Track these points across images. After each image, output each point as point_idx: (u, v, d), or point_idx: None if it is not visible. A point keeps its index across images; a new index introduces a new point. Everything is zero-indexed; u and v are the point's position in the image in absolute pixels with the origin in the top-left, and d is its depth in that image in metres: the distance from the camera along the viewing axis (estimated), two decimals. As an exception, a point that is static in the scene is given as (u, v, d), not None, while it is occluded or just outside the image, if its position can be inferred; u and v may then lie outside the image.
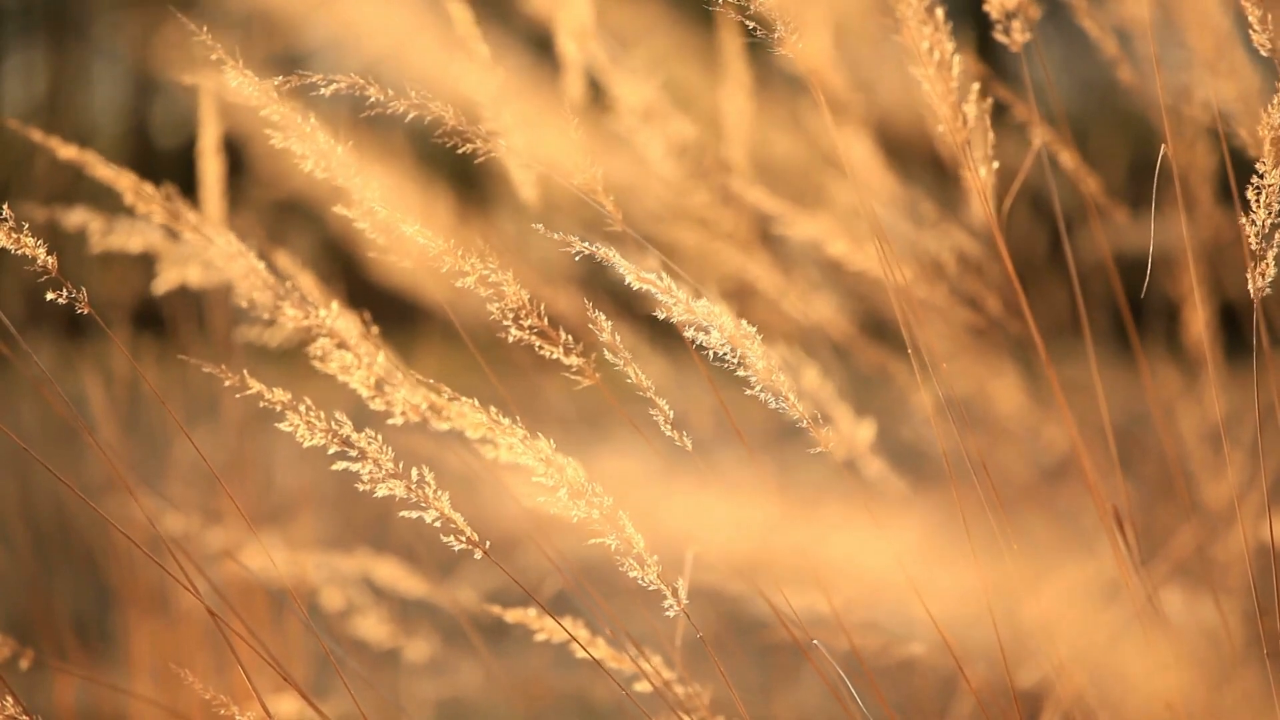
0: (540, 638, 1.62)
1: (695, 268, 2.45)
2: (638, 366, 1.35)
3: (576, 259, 1.34)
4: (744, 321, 1.34)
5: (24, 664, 1.70)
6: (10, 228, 1.34)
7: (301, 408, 1.35)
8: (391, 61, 1.76)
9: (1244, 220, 1.32)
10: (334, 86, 1.35)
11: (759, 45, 1.36)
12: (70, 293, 1.34)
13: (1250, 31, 1.36)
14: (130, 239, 2.00)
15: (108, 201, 1.99)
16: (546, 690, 2.97)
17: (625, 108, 2.32)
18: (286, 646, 2.67)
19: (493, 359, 1.64)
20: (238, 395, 1.35)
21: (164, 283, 2.00)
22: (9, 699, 1.43)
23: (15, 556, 3.10)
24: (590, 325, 1.34)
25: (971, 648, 1.43)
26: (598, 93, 2.34)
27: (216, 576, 2.61)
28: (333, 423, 1.35)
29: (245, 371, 1.37)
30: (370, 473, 1.34)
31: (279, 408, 1.35)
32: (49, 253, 1.34)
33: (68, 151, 1.81)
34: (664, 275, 1.34)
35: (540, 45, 2.32)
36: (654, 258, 1.46)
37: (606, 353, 1.34)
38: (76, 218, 2.03)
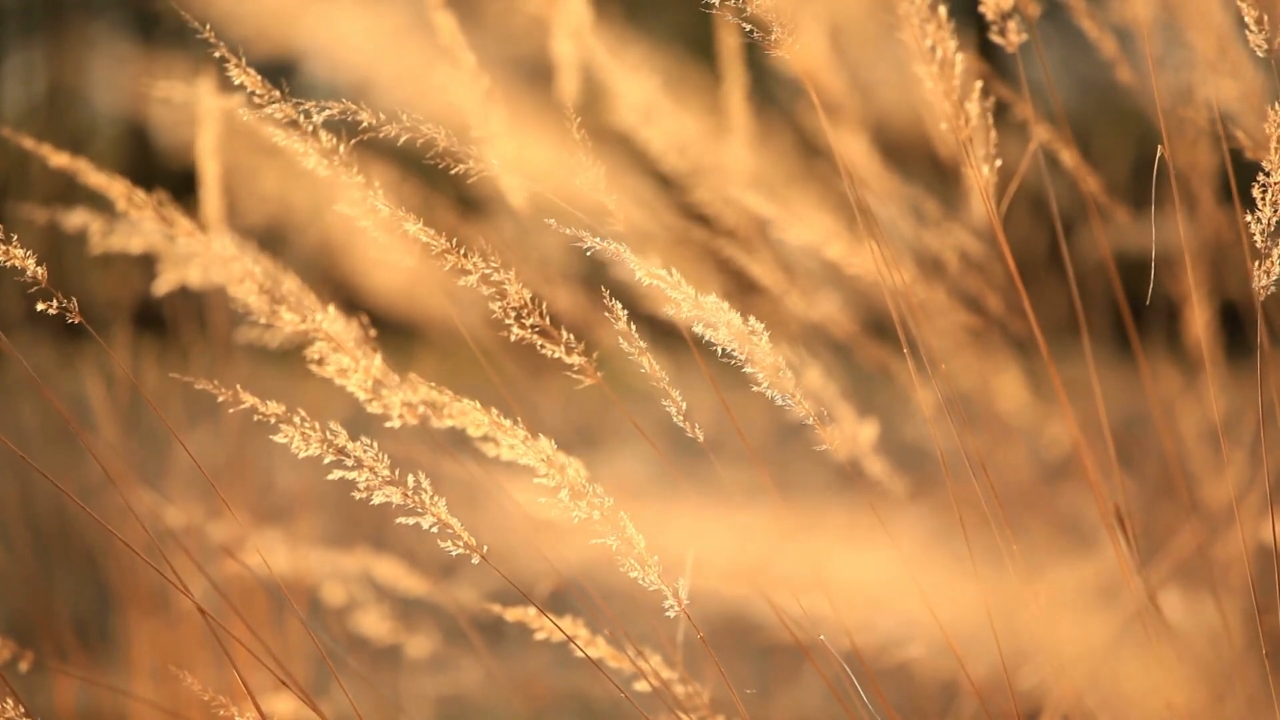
0: (540, 637, 1.62)
1: (698, 267, 2.45)
2: (640, 365, 1.35)
3: (587, 254, 1.34)
4: (751, 319, 1.33)
5: (24, 667, 1.70)
6: (0, 238, 1.34)
7: (296, 418, 1.35)
8: (381, 72, 1.76)
9: (1249, 218, 1.32)
10: (326, 113, 1.35)
11: (758, 46, 1.36)
12: (61, 303, 1.34)
13: (1247, 32, 1.36)
14: (131, 240, 2.00)
15: (108, 200, 1.98)
16: (546, 690, 2.97)
17: (625, 105, 2.31)
18: (286, 645, 2.67)
19: (493, 360, 1.64)
20: (231, 411, 1.35)
21: (164, 283, 2.00)
22: (9, 701, 1.42)
23: (15, 556, 3.10)
24: (606, 315, 1.34)
25: (971, 653, 1.43)
26: (594, 92, 2.34)
27: (217, 576, 2.61)
28: (328, 432, 1.35)
29: (239, 386, 1.36)
30: (367, 480, 1.34)
31: (273, 420, 1.35)
32: (42, 261, 1.34)
33: (59, 159, 1.81)
34: (672, 272, 1.34)
35: (540, 45, 2.31)
36: (658, 257, 1.46)
37: (621, 342, 1.34)
38: (76, 219, 2.03)
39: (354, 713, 1.51)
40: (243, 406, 1.35)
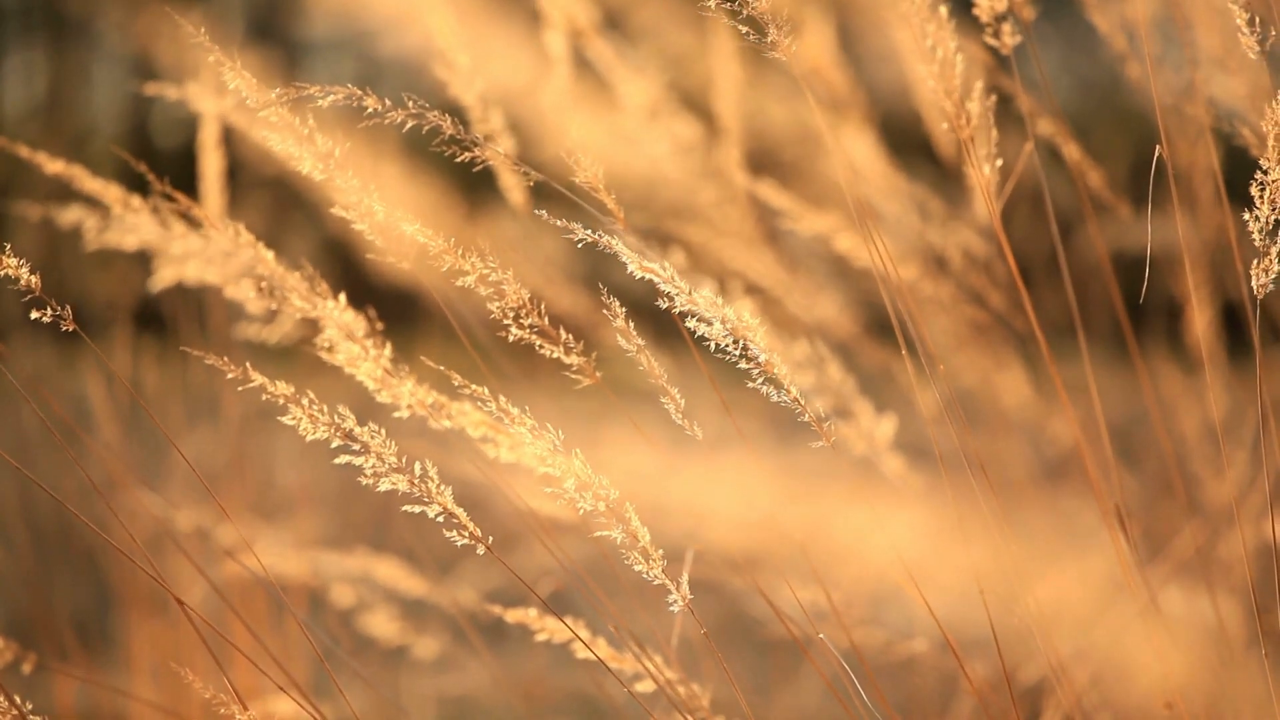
0: (541, 638, 1.62)
1: (703, 266, 2.45)
2: (641, 362, 1.35)
3: (581, 246, 1.34)
4: (745, 313, 1.33)
5: (26, 669, 1.70)
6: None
7: (305, 401, 1.35)
8: (392, 58, 1.76)
9: (1248, 216, 1.32)
10: (331, 99, 1.35)
11: (759, 46, 1.36)
12: (55, 311, 1.34)
13: (1239, 34, 1.36)
14: (126, 237, 1.99)
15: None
16: (548, 689, 2.97)
17: (632, 104, 2.31)
18: (286, 646, 2.67)
19: (492, 358, 1.64)
20: (240, 389, 1.35)
21: (160, 280, 1.99)
22: (8, 700, 1.42)
23: (15, 556, 3.09)
24: (605, 312, 1.34)
25: (972, 645, 1.43)
26: (602, 89, 2.33)
27: (216, 577, 2.61)
28: (336, 416, 1.35)
29: (248, 364, 1.36)
30: (373, 467, 1.34)
31: (282, 401, 1.35)
32: (41, 263, 1.34)
33: (55, 166, 1.81)
34: (667, 265, 1.33)
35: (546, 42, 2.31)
36: (660, 253, 1.46)
37: (620, 339, 1.34)
38: (71, 215, 2.03)
39: (354, 715, 1.50)
40: (251, 385, 1.35)
